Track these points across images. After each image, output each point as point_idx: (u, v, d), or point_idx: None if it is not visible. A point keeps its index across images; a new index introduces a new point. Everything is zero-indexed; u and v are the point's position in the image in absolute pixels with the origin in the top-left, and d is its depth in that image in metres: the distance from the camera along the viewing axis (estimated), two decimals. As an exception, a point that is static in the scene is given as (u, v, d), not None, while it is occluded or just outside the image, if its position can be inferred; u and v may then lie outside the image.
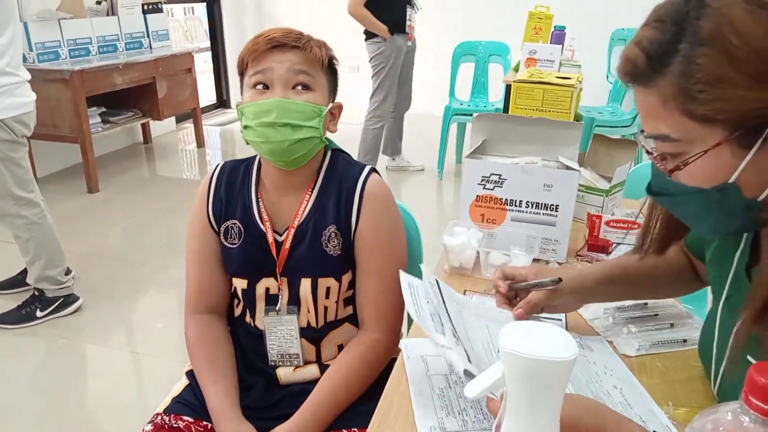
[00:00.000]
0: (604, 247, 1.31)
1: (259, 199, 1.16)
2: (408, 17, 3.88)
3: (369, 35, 3.91)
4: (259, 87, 1.07)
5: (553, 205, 1.25)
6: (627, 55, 0.68)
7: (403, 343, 1.00)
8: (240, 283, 1.17)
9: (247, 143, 1.11)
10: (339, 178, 1.15)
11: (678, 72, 0.64)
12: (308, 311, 1.16)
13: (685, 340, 1.01)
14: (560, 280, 0.97)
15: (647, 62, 0.66)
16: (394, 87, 4.03)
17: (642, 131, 0.72)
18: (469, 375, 0.78)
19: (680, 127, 0.66)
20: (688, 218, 0.77)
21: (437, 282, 1.01)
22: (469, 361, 0.82)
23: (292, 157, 1.08)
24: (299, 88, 1.07)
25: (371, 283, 1.15)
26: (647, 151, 0.75)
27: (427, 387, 0.90)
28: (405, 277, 0.95)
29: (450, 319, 0.92)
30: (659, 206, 0.84)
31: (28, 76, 2.31)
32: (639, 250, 0.89)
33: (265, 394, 1.16)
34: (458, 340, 0.86)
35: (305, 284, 1.14)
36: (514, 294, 1.00)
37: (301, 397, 1.10)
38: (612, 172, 1.43)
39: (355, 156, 3.54)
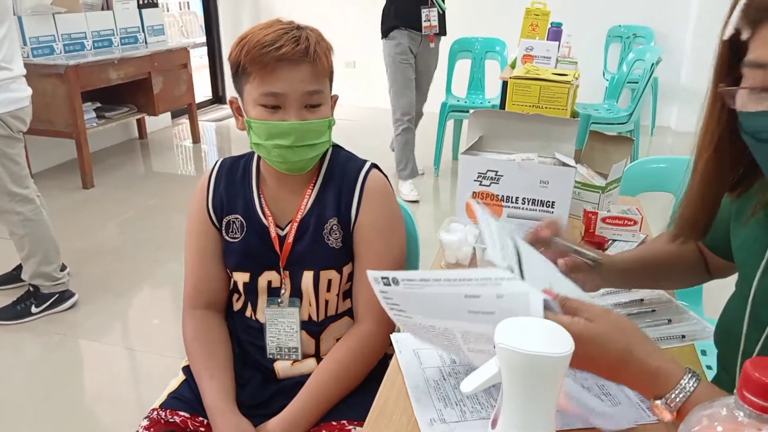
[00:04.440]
0: (600, 244, 1.31)
1: (261, 195, 1.17)
2: (424, 17, 3.67)
3: (383, 34, 3.77)
4: (269, 106, 1.05)
5: (549, 201, 1.26)
6: None
7: (393, 338, 1.00)
8: (241, 277, 1.17)
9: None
10: (340, 173, 1.17)
11: None
12: (309, 304, 1.17)
13: (683, 336, 1.01)
14: (600, 262, 0.98)
15: None
16: (405, 89, 3.77)
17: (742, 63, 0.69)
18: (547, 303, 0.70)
19: None
20: None
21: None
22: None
23: (305, 170, 1.12)
24: (312, 106, 1.07)
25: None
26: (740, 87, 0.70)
27: (422, 380, 0.90)
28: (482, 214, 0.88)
29: (519, 261, 0.82)
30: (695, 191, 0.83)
31: (24, 71, 2.30)
32: (678, 237, 0.91)
33: (260, 389, 1.17)
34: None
35: (307, 277, 1.15)
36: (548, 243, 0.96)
37: (295, 391, 1.11)
38: (608, 169, 1.43)
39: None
